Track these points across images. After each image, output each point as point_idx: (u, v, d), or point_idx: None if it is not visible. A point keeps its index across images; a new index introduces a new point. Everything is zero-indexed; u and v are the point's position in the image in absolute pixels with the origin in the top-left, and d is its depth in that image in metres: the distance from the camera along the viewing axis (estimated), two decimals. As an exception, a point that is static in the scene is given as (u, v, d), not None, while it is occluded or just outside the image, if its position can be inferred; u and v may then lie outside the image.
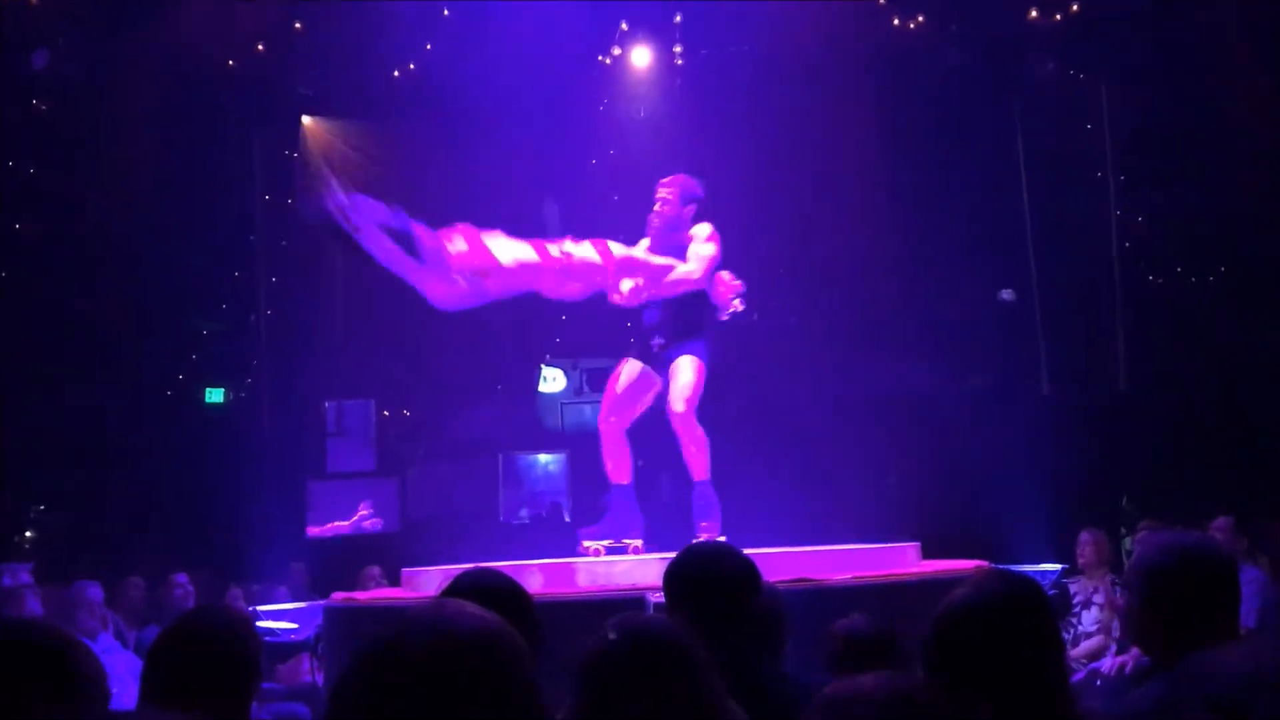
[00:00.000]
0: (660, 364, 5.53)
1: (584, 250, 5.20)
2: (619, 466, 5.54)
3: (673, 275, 5.39)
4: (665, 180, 5.66)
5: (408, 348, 10.01)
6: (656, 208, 5.62)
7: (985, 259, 9.86)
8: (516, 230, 5.20)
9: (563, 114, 9.69)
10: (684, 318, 5.49)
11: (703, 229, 5.57)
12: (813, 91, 9.46)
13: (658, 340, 5.53)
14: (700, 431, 5.39)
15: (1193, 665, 2.00)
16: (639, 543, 5.39)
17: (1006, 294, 10.05)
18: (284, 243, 10.12)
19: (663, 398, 5.47)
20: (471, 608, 1.19)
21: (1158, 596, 2.19)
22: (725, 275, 5.52)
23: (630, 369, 5.58)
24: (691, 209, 5.62)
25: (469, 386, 10.38)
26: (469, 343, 9.80)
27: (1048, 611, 1.98)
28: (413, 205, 4.86)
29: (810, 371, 9.82)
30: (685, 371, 5.38)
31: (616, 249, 5.28)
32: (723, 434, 5.80)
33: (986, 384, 9.76)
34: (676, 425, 5.36)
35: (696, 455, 5.38)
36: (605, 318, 6.34)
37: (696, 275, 5.42)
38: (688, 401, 5.32)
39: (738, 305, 5.48)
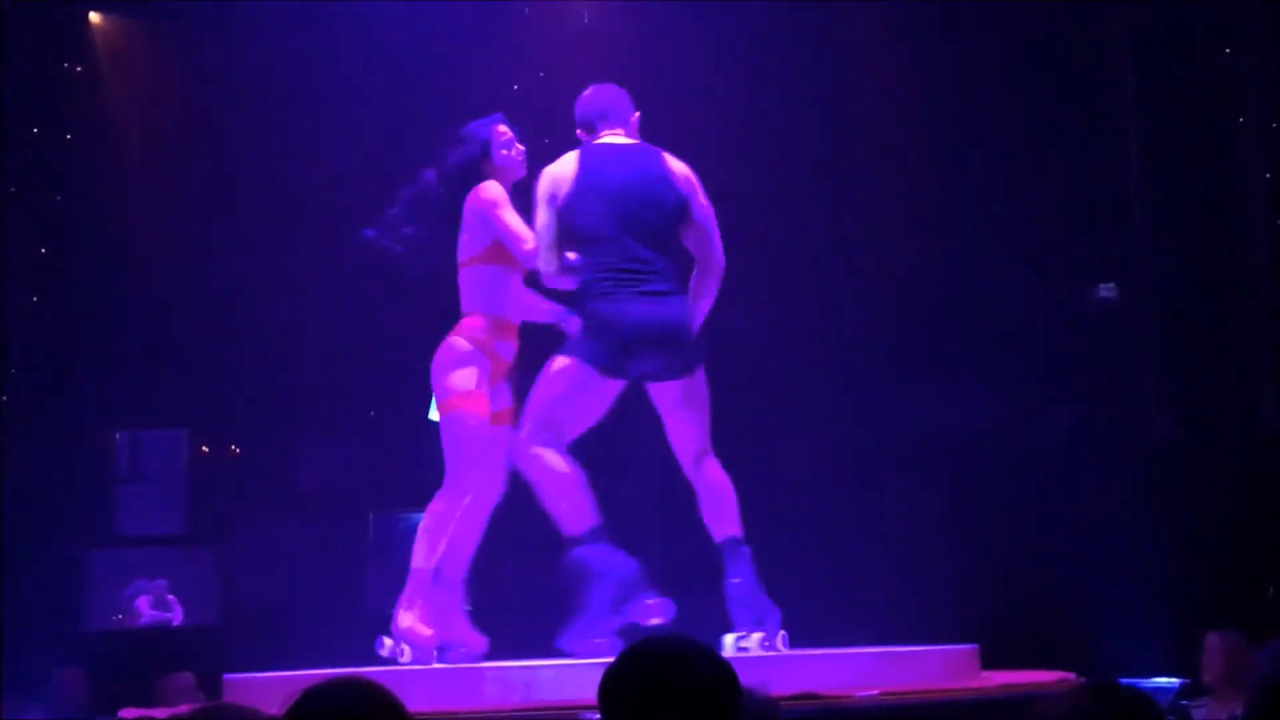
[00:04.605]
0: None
1: None
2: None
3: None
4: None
5: (238, 354, 9.93)
6: None
7: (1075, 244, 9.91)
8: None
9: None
10: None
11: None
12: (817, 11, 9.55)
13: None
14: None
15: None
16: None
17: (1105, 291, 10.11)
18: (58, 196, 10.08)
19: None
20: None
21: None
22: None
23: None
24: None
25: (328, 412, 10.31)
26: (329, 347, 9.78)
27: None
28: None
29: (823, 404, 9.83)
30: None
31: None
32: (687, 489, 5.82)
33: (1075, 421, 9.81)
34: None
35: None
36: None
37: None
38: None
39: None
